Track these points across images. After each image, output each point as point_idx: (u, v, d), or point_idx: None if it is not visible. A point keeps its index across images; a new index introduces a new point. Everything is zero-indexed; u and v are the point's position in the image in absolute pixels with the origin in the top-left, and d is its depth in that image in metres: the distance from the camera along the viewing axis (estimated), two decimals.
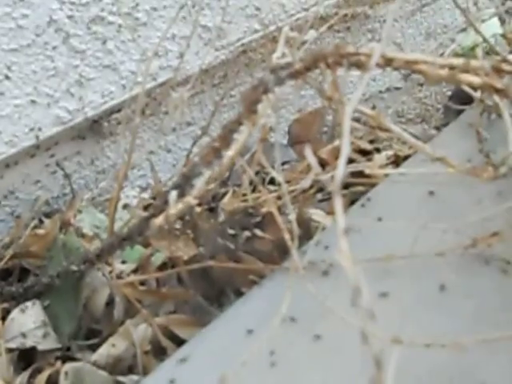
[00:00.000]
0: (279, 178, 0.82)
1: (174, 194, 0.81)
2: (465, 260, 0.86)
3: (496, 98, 1.01)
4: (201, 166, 0.82)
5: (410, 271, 0.86)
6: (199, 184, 0.82)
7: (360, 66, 0.79)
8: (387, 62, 0.75)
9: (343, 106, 0.76)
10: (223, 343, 0.82)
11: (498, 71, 0.71)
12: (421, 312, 0.81)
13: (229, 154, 0.80)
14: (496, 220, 0.88)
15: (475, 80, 0.71)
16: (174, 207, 0.81)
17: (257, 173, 1.14)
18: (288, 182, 1.29)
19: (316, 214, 1.15)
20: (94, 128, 1.34)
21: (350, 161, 1.26)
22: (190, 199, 0.81)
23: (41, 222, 1.27)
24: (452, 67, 0.73)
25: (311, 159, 0.64)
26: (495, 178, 0.85)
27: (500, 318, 0.79)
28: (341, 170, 0.60)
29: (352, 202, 1.08)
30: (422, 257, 0.85)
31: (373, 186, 1.08)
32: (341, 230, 0.63)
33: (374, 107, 1.71)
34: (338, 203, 0.59)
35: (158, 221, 0.81)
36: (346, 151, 0.63)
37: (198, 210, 0.97)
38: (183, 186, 0.84)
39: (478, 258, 0.86)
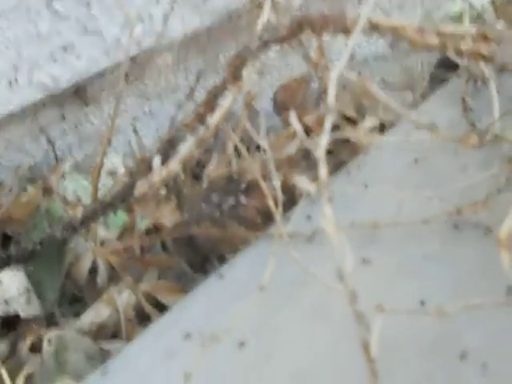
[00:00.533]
0: (264, 144, 0.82)
1: (157, 159, 0.81)
2: (449, 227, 0.86)
3: (482, 65, 1.01)
4: (185, 132, 0.82)
5: (394, 238, 0.86)
6: (183, 150, 0.81)
7: (346, 31, 0.78)
8: (373, 28, 0.75)
9: (329, 72, 0.76)
10: (205, 309, 0.82)
11: (485, 38, 0.70)
12: (404, 279, 0.81)
13: (213, 119, 0.79)
14: (481, 187, 0.88)
15: (462, 46, 0.71)
16: (158, 173, 0.80)
17: (241, 139, 1.13)
18: (273, 148, 1.28)
19: (301, 181, 1.15)
20: (77, 94, 1.32)
21: (335, 127, 1.25)
22: (174, 165, 0.81)
23: (24, 188, 1.26)
24: (439, 33, 0.72)
25: (296, 125, 0.63)
26: (480, 146, 0.85)
27: (483, 285, 0.79)
28: (326, 137, 0.59)
29: (336, 169, 1.08)
30: (406, 224, 0.85)
31: (357, 153, 1.07)
32: (325, 197, 0.62)
33: (359, 75, 1.70)
34: (323, 170, 0.58)
35: (142, 187, 0.80)
36: (331, 117, 0.63)
37: (183, 176, 0.96)
38: (167, 151, 0.84)
39: (461, 225, 0.86)
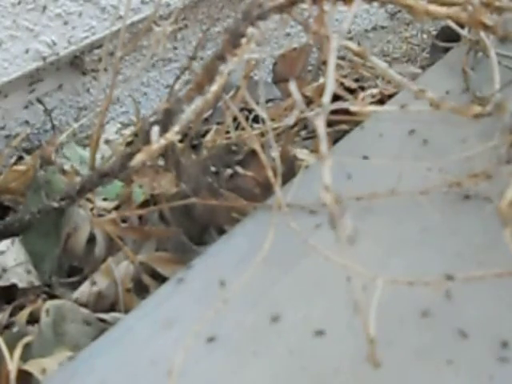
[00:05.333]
0: (263, 114, 0.81)
1: (155, 129, 0.80)
2: (449, 199, 0.86)
3: (483, 35, 1.00)
4: (183, 102, 0.81)
5: (394, 210, 0.85)
6: (182, 120, 0.80)
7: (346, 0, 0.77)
8: None
9: (329, 41, 0.75)
10: (204, 279, 0.82)
11: (487, 6, 0.69)
12: (404, 251, 0.81)
13: (212, 89, 0.78)
14: (481, 159, 0.87)
15: (463, 16, 0.70)
16: (156, 143, 0.80)
17: (240, 110, 1.12)
18: (272, 119, 1.28)
19: (300, 152, 1.15)
20: (75, 63, 1.32)
21: (335, 98, 1.24)
22: (173, 135, 0.80)
23: (21, 158, 1.25)
24: (440, 2, 0.71)
25: (296, 95, 0.63)
26: (480, 116, 0.84)
27: (483, 257, 0.78)
28: (325, 106, 0.59)
29: (336, 140, 1.08)
30: (405, 195, 0.84)
31: (357, 124, 1.06)
32: (324, 168, 0.62)
33: (359, 45, 1.69)
34: (323, 139, 0.58)
35: (140, 156, 0.79)
36: (331, 87, 0.62)
37: (181, 146, 0.96)
38: (165, 121, 0.83)
39: (461, 196, 0.86)
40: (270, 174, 0.80)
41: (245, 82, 0.88)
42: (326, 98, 0.59)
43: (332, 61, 0.66)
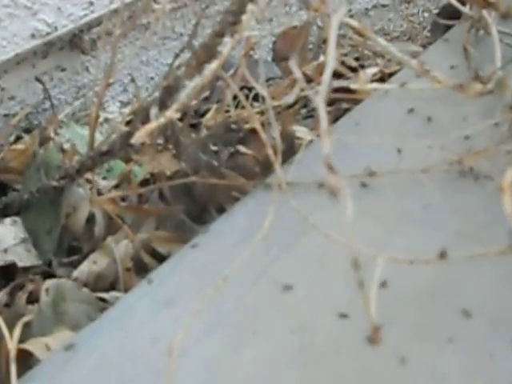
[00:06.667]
0: (263, 92, 0.80)
1: (154, 108, 0.80)
2: (449, 177, 0.85)
3: (485, 13, 0.99)
4: (183, 79, 0.80)
5: (394, 188, 0.85)
6: (181, 97, 0.80)
7: None
8: None
9: (329, 19, 0.74)
10: (205, 257, 0.82)
11: None
12: (405, 228, 0.80)
13: (212, 66, 0.78)
14: (481, 137, 0.87)
15: None
16: (156, 121, 0.79)
17: (240, 89, 1.11)
18: (272, 98, 1.27)
19: (300, 131, 1.14)
20: (74, 42, 1.31)
21: (336, 76, 1.24)
22: (172, 113, 0.79)
23: (20, 137, 1.25)
24: None
25: (296, 72, 0.62)
26: (482, 95, 0.84)
27: (484, 235, 0.78)
28: (326, 83, 0.58)
29: (336, 119, 1.07)
30: (406, 173, 0.84)
31: (358, 102, 1.06)
32: (325, 147, 0.61)
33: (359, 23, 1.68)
34: (323, 118, 0.57)
35: (139, 135, 0.79)
36: (331, 65, 0.62)
37: (180, 124, 0.95)
38: (165, 99, 0.83)
39: (462, 174, 0.86)
40: (270, 152, 0.80)
41: (244, 61, 0.87)
42: (326, 76, 0.58)
43: (332, 39, 0.65)
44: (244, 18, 0.79)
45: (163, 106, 0.82)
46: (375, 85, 1.01)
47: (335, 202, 0.59)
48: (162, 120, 0.80)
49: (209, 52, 0.79)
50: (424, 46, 1.56)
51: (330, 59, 0.61)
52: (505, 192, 0.57)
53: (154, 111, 0.81)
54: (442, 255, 0.63)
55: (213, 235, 0.85)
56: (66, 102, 1.34)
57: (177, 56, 0.88)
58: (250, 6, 0.79)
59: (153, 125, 0.79)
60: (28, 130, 1.26)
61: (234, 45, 0.80)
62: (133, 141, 0.79)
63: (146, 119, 0.83)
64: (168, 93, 0.82)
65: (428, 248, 0.76)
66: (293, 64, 0.63)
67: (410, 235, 0.79)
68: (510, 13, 0.69)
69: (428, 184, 0.83)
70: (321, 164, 0.60)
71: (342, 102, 1.18)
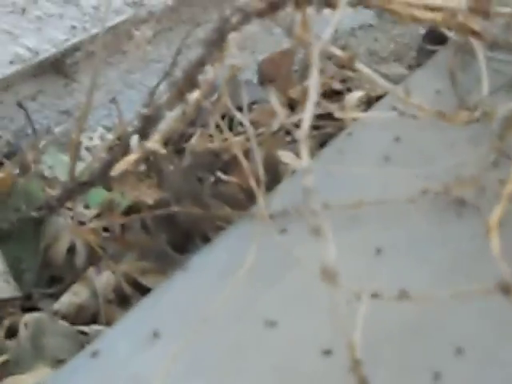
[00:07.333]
0: (245, 121, 0.79)
1: (135, 138, 0.78)
2: (436, 206, 0.84)
3: (472, 39, 0.98)
4: (163, 109, 0.79)
5: (380, 218, 0.83)
6: (162, 127, 0.78)
7: (331, 4, 0.75)
8: (359, 1, 0.72)
9: (313, 48, 0.73)
10: (187, 292, 0.80)
11: (476, 12, 0.67)
12: (391, 262, 0.79)
13: (193, 97, 0.76)
14: (469, 165, 0.85)
15: (451, 22, 0.68)
16: (136, 152, 0.78)
17: (223, 116, 1.10)
18: (256, 122, 1.26)
19: (285, 156, 1.12)
20: (56, 66, 1.29)
21: (322, 97, 1.22)
22: (153, 144, 0.78)
23: (1, 163, 1.23)
24: (427, 7, 0.69)
25: (275, 104, 0.61)
26: (468, 123, 0.83)
27: (473, 268, 0.77)
28: (307, 118, 0.57)
29: (322, 143, 1.06)
30: (392, 203, 0.83)
31: (342, 128, 1.04)
32: (307, 179, 0.60)
33: (345, 46, 1.67)
34: (304, 153, 0.56)
35: (119, 167, 0.77)
36: (313, 97, 0.60)
37: (163, 151, 0.94)
38: (145, 129, 0.81)
39: (449, 204, 0.84)
40: (253, 183, 0.78)
41: (226, 88, 0.85)
42: (309, 108, 0.57)
43: (315, 67, 0.64)
44: (226, 45, 0.78)
45: (144, 135, 0.81)
46: (358, 113, 0.99)
47: (317, 232, 0.58)
48: (143, 151, 0.79)
49: (190, 81, 0.78)
50: (411, 67, 1.55)
51: (313, 91, 0.60)
52: (492, 231, 0.56)
53: (134, 141, 0.79)
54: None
55: (195, 269, 0.83)
56: (49, 127, 1.32)
57: (158, 84, 0.86)
58: (231, 34, 0.78)
59: (133, 157, 0.78)
60: (9, 156, 1.24)
61: (216, 74, 0.79)
62: (113, 173, 0.78)
63: (126, 149, 0.81)
64: (148, 123, 0.80)
65: (415, 282, 0.75)
66: (272, 95, 0.62)
67: (395, 268, 0.77)
68: (497, 43, 0.68)
69: (414, 214, 0.82)
70: (304, 194, 0.59)
71: (328, 125, 1.17)
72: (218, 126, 0.94)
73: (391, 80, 1.40)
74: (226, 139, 1.02)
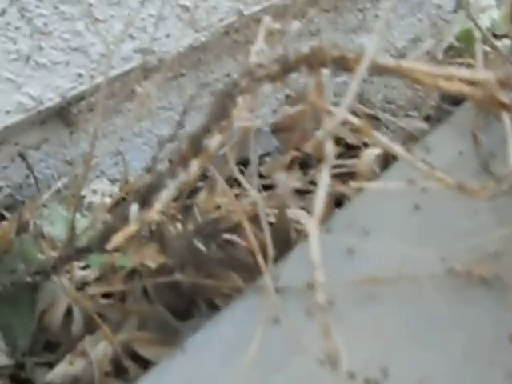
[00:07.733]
0: (253, 193, 0.74)
1: (134, 208, 0.73)
2: (457, 285, 0.78)
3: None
4: (166, 177, 0.74)
5: (396, 296, 0.78)
6: (164, 197, 0.73)
7: (347, 69, 0.70)
8: (378, 70, 0.67)
9: (327, 116, 0.68)
10: (189, 372, 0.75)
11: (504, 85, 0.62)
12: (406, 348, 0.73)
13: (196, 164, 0.71)
14: (493, 241, 0.80)
15: (478, 93, 0.63)
16: (135, 223, 0.73)
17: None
18: (267, 176, 1.21)
19: (299, 215, 1.07)
20: (61, 115, 1.24)
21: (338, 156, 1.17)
22: (154, 214, 0.73)
23: (2, 215, 1.18)
24: (451, 77, 0.64)
25: (283, 189, 0.56)
26: (495, 197, 0.77)
27: (493, 357, 0.71)
28: (319, 208, 0.52)
29: (338, 202, 1.01)
30: (409, 280, 0.77)
31: (359, 189, 0.99)
32: (316, 262, 0.56)
33: (362, 93, 1.63)
34: (315, 247, 0.51)
35: (118, 238, 0.72)
36: (325, 181, 0.55)
37: (165, 218, 0.89)
38: (147, 197, 0.76)
39: (471, 283, 0.78)
40: (260, 259, 0.73)
41: (233, 154, 0.80)
42: (319, 199, 0.51)
43: (329, 147, 0.59)
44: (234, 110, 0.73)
45: (145, 203, 0.76)
46: (374, 184, 0.94)
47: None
48: (143, 220, 0.74)
49: (194, 147, 0.73)
50: (429, 118, 1.50)
51: (325, 175, 0.55)
52: None
53: (134, 209, 0.74)
54: None
55: (199, 346, 0.77)
56: (53, 177, 1.27)
57: (159, 148, 0.81)
58: (239, 98, 0.73)
59: (132, 227, 0.72)
60: (11, 208, 1.20)
61: (223, 141, 0.74)
62: (110, 245, 0.72)
63: (126, 218, 0.76)
64: (150, 191, 0.75)
65: (432, 371, 0.69)
66: (279, 180, 0.57)
67: (410, 355, 0.72)
68: None
69: (433, 294, 0.76)
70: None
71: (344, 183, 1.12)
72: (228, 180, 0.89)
73: (410, 135, 1.36)
74: (233, 198, 0.97)
